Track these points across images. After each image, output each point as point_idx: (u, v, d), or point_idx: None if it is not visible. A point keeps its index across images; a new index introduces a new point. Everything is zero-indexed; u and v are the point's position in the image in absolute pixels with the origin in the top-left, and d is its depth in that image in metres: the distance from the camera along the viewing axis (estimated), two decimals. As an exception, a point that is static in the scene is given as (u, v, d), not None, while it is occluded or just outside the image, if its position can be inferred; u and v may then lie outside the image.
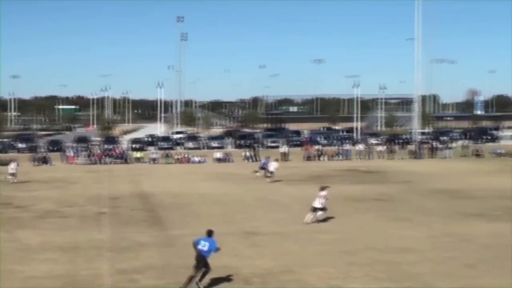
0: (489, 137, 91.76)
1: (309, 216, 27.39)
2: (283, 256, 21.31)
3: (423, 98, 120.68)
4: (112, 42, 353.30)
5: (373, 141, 79.13)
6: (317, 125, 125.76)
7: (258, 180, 44.17)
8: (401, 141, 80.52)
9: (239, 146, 78.18)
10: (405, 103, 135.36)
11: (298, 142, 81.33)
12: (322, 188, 28.44)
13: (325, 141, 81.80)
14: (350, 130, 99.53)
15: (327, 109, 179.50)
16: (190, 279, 17.48)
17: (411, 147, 73.16)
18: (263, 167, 46.28)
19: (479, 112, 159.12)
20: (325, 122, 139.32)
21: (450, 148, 68.33)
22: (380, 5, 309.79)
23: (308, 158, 63.21)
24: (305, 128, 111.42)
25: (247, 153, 64.26)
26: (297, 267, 19.79)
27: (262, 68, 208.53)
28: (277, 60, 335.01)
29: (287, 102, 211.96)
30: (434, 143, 72.55)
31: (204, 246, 17.74)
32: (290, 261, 20.56)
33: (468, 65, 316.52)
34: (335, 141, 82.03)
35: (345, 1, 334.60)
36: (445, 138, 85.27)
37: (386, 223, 27.70)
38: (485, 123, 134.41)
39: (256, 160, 60.80)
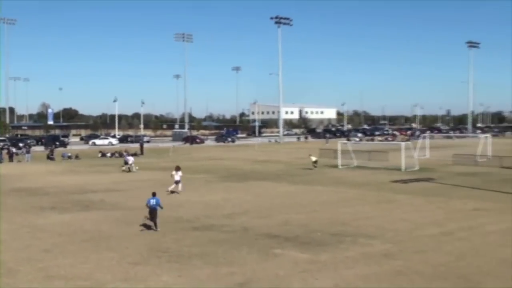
0: (60, 143, 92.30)
1: (176, 188, 34.34)
2: None
3: (3, 110, 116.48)
4: None
5: None
6: None
7: None
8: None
9: None
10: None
11: None
12: (178, 168, 34.95)
13: None
14: None
15: None
16: (155, 224, 22.79)
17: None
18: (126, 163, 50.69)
19: (51, 122, 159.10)
20: None
21: (29, 152, 66.98)
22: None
23: None
24: None
25: None
26: None
27: None
28: None
29: None
30: (12, 149, 70.65)
31: (153, 203, 22.87)
32: None
33: (41, 83, 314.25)
34: None
35: None
36: (21, 144, 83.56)
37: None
38: (56, 131, 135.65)
39: None
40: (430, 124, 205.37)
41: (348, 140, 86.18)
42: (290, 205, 29.70)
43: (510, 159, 49.70)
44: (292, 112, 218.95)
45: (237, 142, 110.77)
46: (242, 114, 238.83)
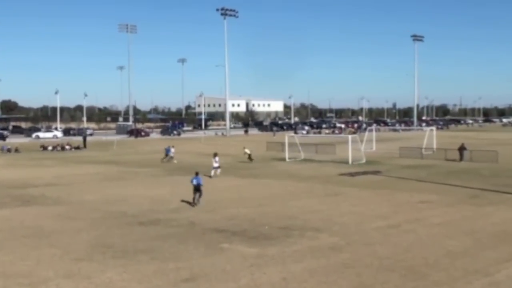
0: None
1: (215, 173, 38.98)
2: None
3: None
4: None
5: None
6: None
7: None
8: None
9: None
10: None
11: None
12: (215, 155, 39.85)
13: None
14: None
15: None
16: (194, 199, 27.15)
17: None
18: (167, 154, 53.04)
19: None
20: None
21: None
22: None
23: None
24: None
25: None
26: None
27: None
28: None
29: None
30: None
31: (195, 182, 27.21)
32: None
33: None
34: None
35: None
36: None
37: None
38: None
39: None
40: (376, 117, 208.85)
41: (295, 133, 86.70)
42: (237, 199, 29.68)
43: (454, 152, 51.02)
44: (239, 105, 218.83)
45: (183, 135, 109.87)
46: (188, 107, 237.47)
